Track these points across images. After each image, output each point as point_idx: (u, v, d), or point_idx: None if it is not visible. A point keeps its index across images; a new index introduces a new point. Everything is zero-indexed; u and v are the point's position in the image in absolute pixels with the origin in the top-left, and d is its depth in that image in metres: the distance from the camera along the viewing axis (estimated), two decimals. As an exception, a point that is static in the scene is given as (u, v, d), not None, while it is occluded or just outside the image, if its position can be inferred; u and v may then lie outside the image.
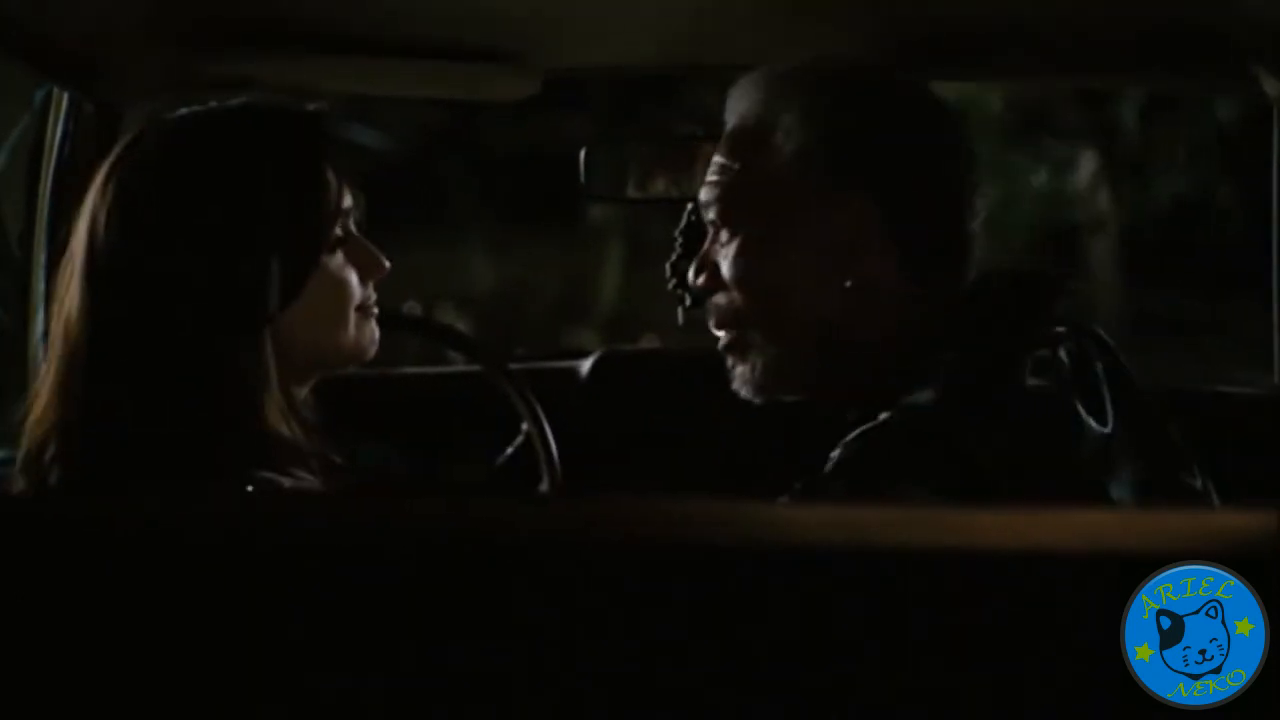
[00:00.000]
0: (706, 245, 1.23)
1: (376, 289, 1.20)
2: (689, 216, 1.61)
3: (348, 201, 1.16)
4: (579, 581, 0.61)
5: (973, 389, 1.09)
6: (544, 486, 1.65)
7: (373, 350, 1.19)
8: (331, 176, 1.15)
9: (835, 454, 1.10)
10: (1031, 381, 1.08)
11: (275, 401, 1.08)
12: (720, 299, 1.21)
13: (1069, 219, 5.90)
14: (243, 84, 1.54)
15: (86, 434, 1.07)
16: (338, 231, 1.16)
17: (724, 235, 1.21)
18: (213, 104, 1.19)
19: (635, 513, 0.64)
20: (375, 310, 1.20)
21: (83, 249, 1.10)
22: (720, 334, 1.23)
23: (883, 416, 1.09)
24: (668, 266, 1.59)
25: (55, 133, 1.64)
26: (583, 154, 1.64)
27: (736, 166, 1.21)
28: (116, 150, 1.15)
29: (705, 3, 1.50)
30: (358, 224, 1.18)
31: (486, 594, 0.61)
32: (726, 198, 1.21)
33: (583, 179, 1.64)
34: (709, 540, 0.61)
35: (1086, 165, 5.82)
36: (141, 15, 1.42)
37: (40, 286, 1.64)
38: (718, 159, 1.22)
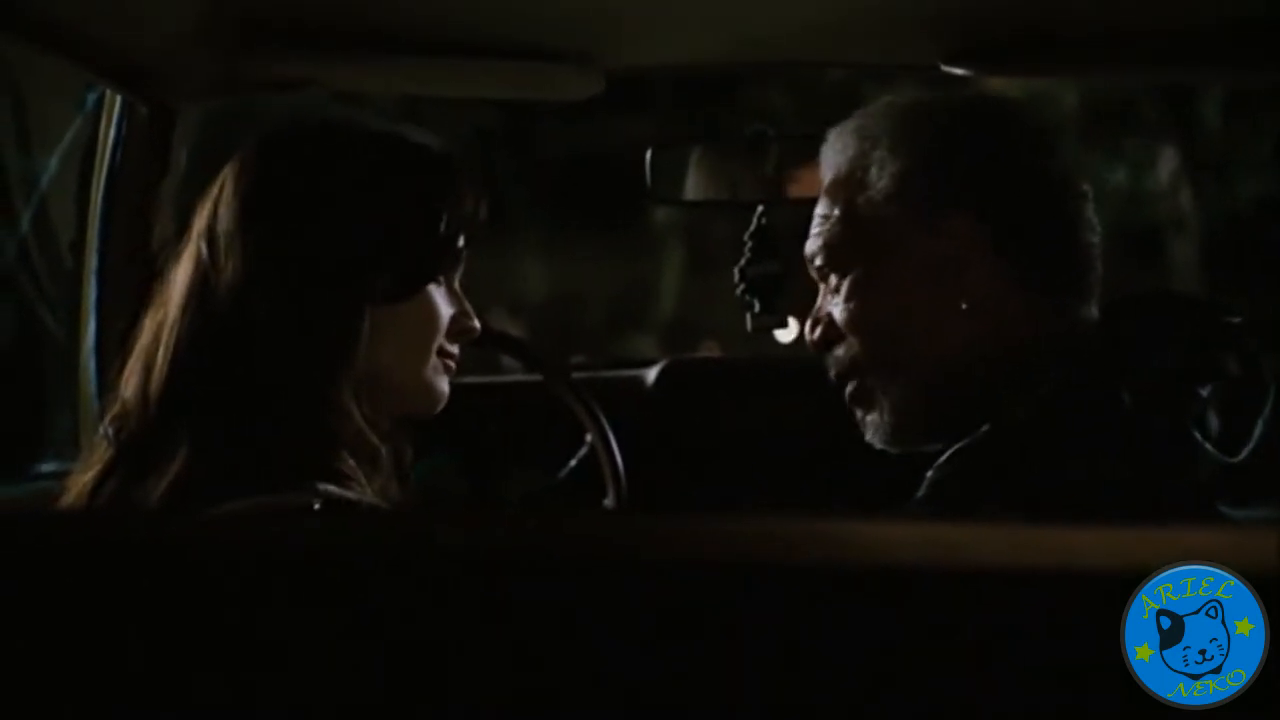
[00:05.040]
0: (818, 300, 1.23)
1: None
2: (758, 220, 1.57)
3: (462, 244, 1.19)
4: (646, 601, 0.59)
5: (1073, 409, 1.06)
6: (609, 500, 1.62)
7: (440, 405, 1.19)
8: (457, 221, 1.18)
9: (930, 474, 1.08)
10: (1145, 404, 1.04)
11: (352, 384, 1.10)
12: (839, 350, 1.20)
13: (1148, 218, 5.80)
14: (298, 85, 1.52)
15: (173, 382, 1.10)
16: (448, 266, 1.19)
17: (833, 282, 1.21)
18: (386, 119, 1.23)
19: (708, 531, 0.61)
20: (453, 364, 1.20)
21: (206, 216, 1.14)
22: (845, 387, 1.21)
23: (978, 434, 1.05)
24: (736, 271, 1.54)
25: (108, 136, 1.62)
26: (648, 156, 1.60)
27: (836, 213, 1.20)
28: (265, 135, 1.17)
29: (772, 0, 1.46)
30: (460, 280, 1.22)
31: (552, 613, 0.59)
32: (829, 245, 1.20)
33: (648, 181, 1.60)
34: (784, 559, 0.59)
35: (1166, 163, 5.72)
36: (195, 16, 1.40)
37: (92, 295, 1.61)
38: (818, 212, 1.22)
